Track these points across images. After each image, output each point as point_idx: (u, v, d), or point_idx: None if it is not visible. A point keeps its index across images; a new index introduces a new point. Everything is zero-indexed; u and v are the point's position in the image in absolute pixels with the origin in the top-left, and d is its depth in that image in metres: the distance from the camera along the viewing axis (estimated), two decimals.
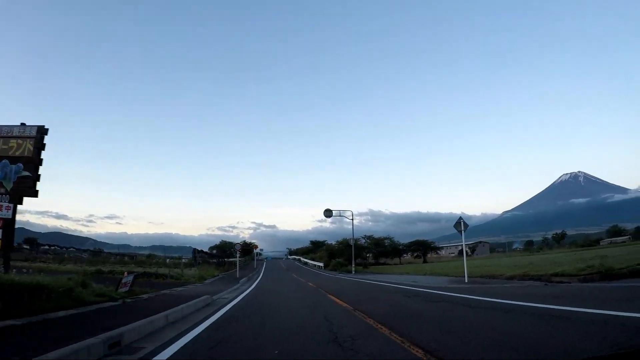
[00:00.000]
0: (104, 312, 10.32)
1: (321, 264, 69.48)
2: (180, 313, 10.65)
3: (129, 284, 15.42)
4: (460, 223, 21.91)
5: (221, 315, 10.74)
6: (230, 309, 12.49)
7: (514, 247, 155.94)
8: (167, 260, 60.86)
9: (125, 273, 19.41)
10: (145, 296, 14.77)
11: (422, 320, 8.72)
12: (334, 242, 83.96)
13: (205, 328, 8.68)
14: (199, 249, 65.47)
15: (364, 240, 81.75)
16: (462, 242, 23.80)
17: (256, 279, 35.62)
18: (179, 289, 20.56)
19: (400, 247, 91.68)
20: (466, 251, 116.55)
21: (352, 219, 54.77)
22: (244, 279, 34.29)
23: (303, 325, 8.79)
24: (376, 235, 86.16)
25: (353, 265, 50.84)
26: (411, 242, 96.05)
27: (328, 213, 53.51)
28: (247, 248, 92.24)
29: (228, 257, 76.41)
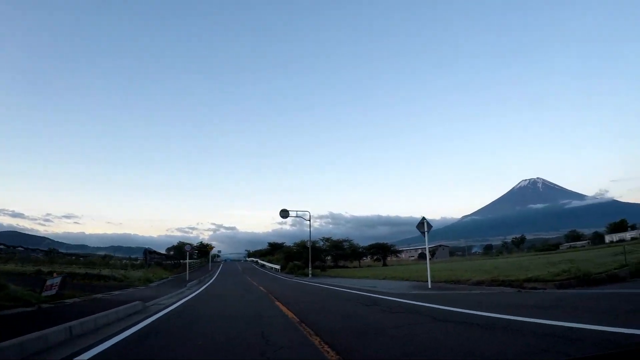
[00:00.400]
0: (4, 321, 8.50)
1: (278, 267, 67.85)
2: (93, 324, 8.90)
3: (55, 287, 13.75)
4: (423, 223, 20.54)
5: (142, 327, 9.05)
6: (158, 318, 10.81)
7: (473, 251, 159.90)
8: (124, 261, 58.97)
9: (54, 274, 17.69)
10: (70, 301, 13.00)
11: (381, 339, 6.83)
12: (292, 245, 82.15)
13: (112, 345, 7.03)
14: (152, 250, 63.48)
15: (322, 243, 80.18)
16: (423, 245, 22.41)
17: (207, 282, 34.63)
18: (116, 292, 18.99)
19: (360, 250, 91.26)
20: (425, 254, 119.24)
21: (310, 220, 53.24)
22: (193, 281, 32.89)
23: (232, 345, 6.99)
24: (335, 238, 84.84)
25: (310, 268, 49.22)
26: (371, 245, 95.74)
27: (284, 214, 51.65)
28: (203, 249, 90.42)
29: (185, 258, 72.94)
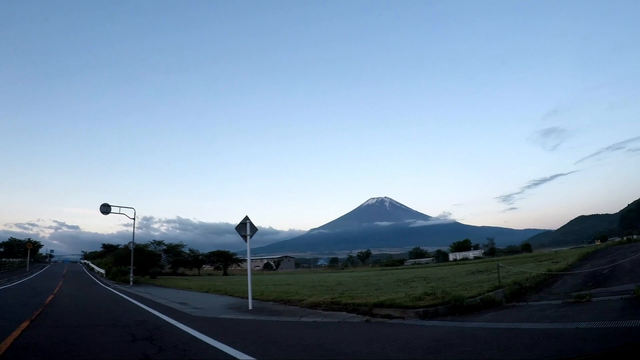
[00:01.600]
0: None
1: (103, 271, 59.80)
2: None
3: None
4: (245, 225, 16.09)
5: None
6: None
7: (319, 263, 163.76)
8: None
9: None
10: None
11: None
12: (122, 247, 73.75)
13: None
14: None
15: (153, 246, 72.51)
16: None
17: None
18: None
19: (200, 257, 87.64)
20: (271, 264, 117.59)
21: (134, 219, 45.96)
22: None
23: None
24: (168, 242, 78.22)
25: (131, 274, 42.19)
26: (211, 253, 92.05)
27: (105, 209, 43.88)
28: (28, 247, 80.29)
29: (16, 257, 72.32)
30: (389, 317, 10.99)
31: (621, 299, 10.62)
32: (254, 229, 16.19)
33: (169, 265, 79.57)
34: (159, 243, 76.68)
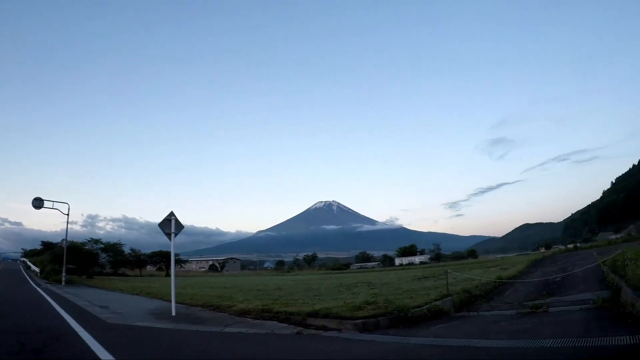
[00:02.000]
0: None
1: (38, 270, 56.74)
2: None
3: None
4: (170, 221, 14.24)
5: None
6: None
7: (265, 265, 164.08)
8: None
9: None
10: None
11: None
12: (57, 245, 69.83)
13: None
14: None
15: (90, 244, 68.84)
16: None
17: None
18: None
19: (142, 257, 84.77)
20: (216, 266, 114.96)
21: (68, 214, 43.06)
22: None
23: None
24: (111, 240, 75.01)
25: (64, 273, 39.59)
26: (154, 253, 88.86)
27: (38, 203, 41.04)
28: None
29: None
30: (324, 328, 9.64)
31: (581, 309, 9.80)
32: (179, 226, 14.36)
33: (110, 266, 76.22)
34: (97, 241, 73.03)
